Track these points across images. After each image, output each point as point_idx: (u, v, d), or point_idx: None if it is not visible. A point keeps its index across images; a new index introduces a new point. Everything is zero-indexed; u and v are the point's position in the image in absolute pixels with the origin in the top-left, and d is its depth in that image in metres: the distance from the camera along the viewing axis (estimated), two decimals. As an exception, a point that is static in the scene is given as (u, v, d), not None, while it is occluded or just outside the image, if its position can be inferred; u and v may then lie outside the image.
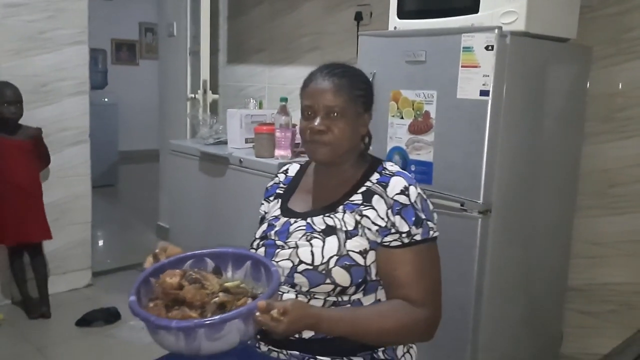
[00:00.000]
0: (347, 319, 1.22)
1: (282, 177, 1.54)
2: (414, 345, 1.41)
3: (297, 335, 1.28)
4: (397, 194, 1.30)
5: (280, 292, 1.30)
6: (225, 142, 3.26)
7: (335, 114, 1.32)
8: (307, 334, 1.28)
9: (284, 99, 2.86)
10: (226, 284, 1.21)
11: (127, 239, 4.60)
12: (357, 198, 1.33)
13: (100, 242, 4.59)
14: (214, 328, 1.06)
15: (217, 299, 1.15)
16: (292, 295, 1.29)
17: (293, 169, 1.54)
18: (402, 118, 2.19)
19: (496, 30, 1.91)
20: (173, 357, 1.42)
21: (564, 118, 2.28)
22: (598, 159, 2.37)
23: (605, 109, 2.35)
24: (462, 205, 2.03)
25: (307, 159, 1.48)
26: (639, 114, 2.27)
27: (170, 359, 1.41)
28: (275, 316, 1.08)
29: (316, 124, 1.33)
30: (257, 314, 1.07)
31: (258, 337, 1.36)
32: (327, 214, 1.34)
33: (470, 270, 2.02)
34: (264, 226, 1.44)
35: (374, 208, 1.30)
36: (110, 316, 3.05)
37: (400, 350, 1.36)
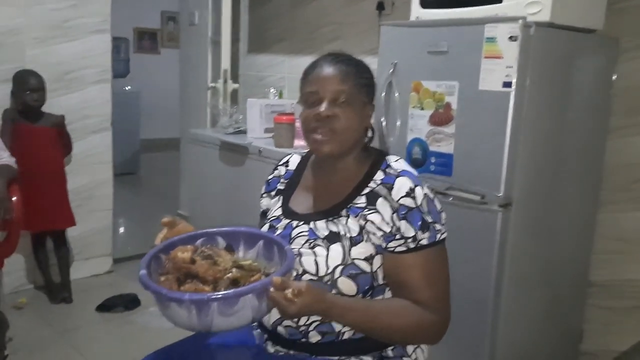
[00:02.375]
0: (359, 310, 1.19)
1: (282, 170, 1.48)
2: (425, 343, 1.38)
3: (303, 340, 1.26)
4: (402, 197, 1.23)
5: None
6: (245, 132, 3.27)
7: (343, 100, 1.26)
8: (314, 339, 1.25)
9: (304, 89, 2.84)
10: (239, 262, 1.19)
11: (148, 227, 4.57)
12: (361, 201, 1.27)
13: (121, 230, 4.64)
14: (228, 302, 1.03)
15: (230, 274, 1.12)
16: None
17: (294, 161, 1.48)
18: (422, 109, 2.17)
19: (520, 21, 1.87)
20: (187, 342, 1.42)
21: (589, 111, 2.23)
22: (623, 153, 2.32)
23: (632, 102, 2.29)
24: (482, 198, 2.00)
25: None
26: (666, 107, 2.22)
27: (185, 344, 1.41)
28: (290, 296, 1.05)
29: (323, 109, 1.26)
30: (272, 289, 1.05)
31: (265, 336, 1.35)
32: (330, 219, 1.28)
33: (489, 265, 1.99)
34: (266, 227, 1.39)
35: (378, 212, 1.24)
36: (130, 302, 3.10)
37: (410, 347, 1.33)
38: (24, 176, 2.67)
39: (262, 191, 1.51)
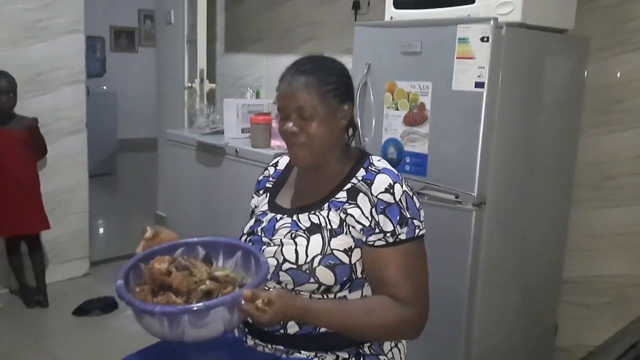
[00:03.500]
0: (334, 311, 1.21)
1: (272, 170, 1.53)
2: (403, 341, 1.40)
3: (282, 331, 1.29)
4: (381, 192, 1.27)
5: (266, 287, 1.29)
6: (222, 132, 3.25)
7: (307, 114, 1.28)
8: (292, 330, 1.28)
9: (281, 89, 2.84)
10: (215, 273, 1.21)
11: (125, 228, 4.60)
12: (342, 195, 1.31)
13: (99, 231, 4.59)
14: (198, 315, 1.06)
15: (203, 286, 1.15)
16: None
17: (283, 161, 1.53)
18: (397, 109, 2.18)
19: (492, 22, 1.89)
20: (165, 345, 1.42)
21: (561, 110, 2.26)
22: (595, 151, 2.36)
23: (603, 100, 2.33)
24: (456, 197, 2.02)
25: None
26: (636, 105, 2.25)
27: (161, 346, 1.42)
28: (260, 306, 1.07)
29: (289, 126, 1.30)
30: (242, 302, 1.07)
31: (245, 330, 1.37)
32: (312, 212, 1.32)
33: (464, 263, 2.01)
34: (252, 221, 1.44)
35: (358, 206, 1.28)
36: (107, 305, 3.07)
37: (387, 345, 1.36)
38: (-4, 180, 2.64)
39: (254, 191, 1.56)
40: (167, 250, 1.27)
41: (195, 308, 1.06)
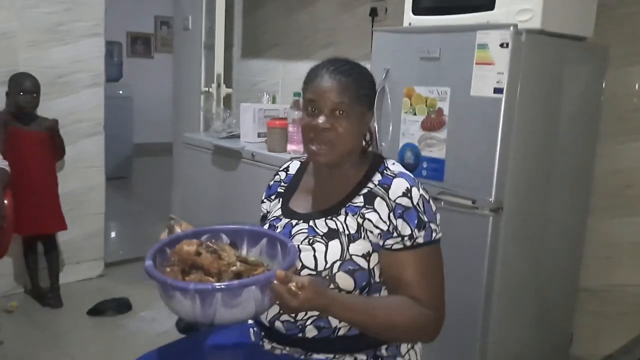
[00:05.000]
0: (358, 306, 1.20)
1: (283, 175, 1.51)
2: (419, 343, 1.40)
3: (300, 335, 1.28)
4: (399, 196, 1.27)
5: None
6: (238, 136, 3.28)
7: (341, 112, 1.29)
8: (311, 334, 1.27)
9: (298, 94, 2.86)
10: (244, 257, 1.21)
11: (140, 231, 4.63)
12: (358, 200, 1.31)
13: (113, 234, 4.63)
14: (232, 293, 1.03)
15: (234, 267, 1.14)
16: None
17: (294, 166, 1.51)
18: (415, 114, 2.19)
19: (511, 28, 1.90)
20: (183, 342, 1.46)
21: (579, 117, 2.26)
22: (613, 159, 2.35)
23: (621, 109, 2.32)
24: (473, 202, 2.02)
25: None
26: (655, 114, 2.25)
27: (180, 344, 1.44)
28: (293, 289, 1.06)
29: (320, 121, 1.29)
30: (275, 282, 1.06)
31: (262, 334, 1.36)
32: (329, 217, 1.31)
33: (480, 269, 2.01)
34: (266, 227, 1.42)
35: (376, 211, 1.27)
36: (121, 306, 3.08)
37: (404, 347, 1.35)
38: (15, 179, 2.67)
39: (263, 196, 1.54)
40: (192, 236, 1.25)
41: (229, 285, 1.04)
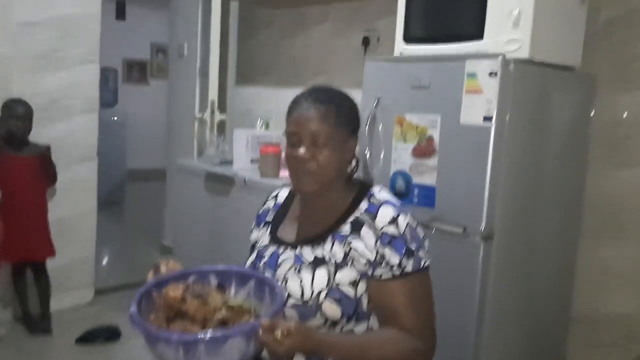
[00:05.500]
0: (348, 345, 1.19)
1: (271, 203, 1.51)
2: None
3: None
4: (385, 225, 1.26)
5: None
6: (231, 162, 3.28)
7: (322, 141, 1.28)
8: None
9: (290, 121, 2.88)
10: (230, 303, 1.19)
11: (130, 258, 4.60)
12: (345, 228, 1.30)
13: (104, 260, 4.59)
14: (216, 343, 1.03)
15: (219, 315, 1.13)
16: None
17: (283, 194, 1.51)
18: (405, 142, 2.20)
19: (500, 57, 1.92)
20: None
21: (568, 145, 2.28)
22: (603, 186, 2.36)
23: (610, 136, 2.34)
24: (464, 230, 2.02)
25: None
26: (643, 142, 2.27)
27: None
28: (279, 338, 1.05)
29: (301, 152, 1.29)
30: (260, 332, 1.05)
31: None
32: (315, 245, 1.31)
33: (471, 296, 2.00)
34: (253, 256, 1.42)
35: (362, 239, 1.27)
36: (111, 334, 3.04)
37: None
38: (4, 205, 2.65)
39: (252, 225, 1.54)
40: (179, 278, 1.25)
41: (213, 336, 1.03)
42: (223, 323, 1.12)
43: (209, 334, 1.05)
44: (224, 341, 1.03)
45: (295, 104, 1.34)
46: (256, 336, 1.06)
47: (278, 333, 1.06)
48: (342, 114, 1.33)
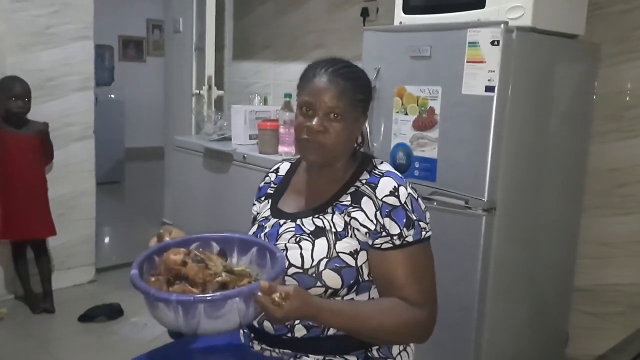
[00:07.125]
0: (347, 312, 1.19)
1: (273, 176, 1.51)
2: (411, 345, 1.38)
3: (289, 335, 1.27)
4: (386, 195, 1.26)
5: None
6: (230, 138, 3.26)
7: (335, 115, 1.27)
8: (300, 333, 1.26)
9: (288, 95, 2.84)
10: (230, 267, 1.19)
11: (131, 236, 4.59)
12: (345, 199, 1.30)
13: (105, 239, 4.59)
14: (215, 305, 1.03)
15: (219, 278, 1.13)
16: None
17: (284, 167, 1.51)
18: (406, 114, 2.17)
19: (502, 25, 1.88)
20: (173, 346, 1.44)
21: (571, 116, 2.25)
22: (606, 157, 2.34)
23: (613, 107, 2.31)
24: (466, 202, 2.00)
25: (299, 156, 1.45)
26: (648, 112, 2.24)
27: (170, 348, 1.42)
28: (277, 300, 1.05)
29: (314, 123, 1.28)
30: (259, 294, 1.05)
31: (251, 335, 1.35)
32: (316, 215, 1.31)
33: (474, 269, 1.99)
34: (254, 228, 1.43)
35: (362, 210, 1.27)
36: (112, 312, 3.05)
37: (395, 349, 1.34)
38: (4, 184, 2.63)
39: (254, 198, 1.54)
40: (181, 244, 1.25)
41: (212, 297, 1.03)
42: (223, 286, 1.12)
43: (207, 294, 1.05)
44: (222, 302, 1.03)
45: (312, 72, 1.32)
46: (255, 298, 1.05)
47: (276, 296, 1.05)
48: (359, 92, 1.32)
